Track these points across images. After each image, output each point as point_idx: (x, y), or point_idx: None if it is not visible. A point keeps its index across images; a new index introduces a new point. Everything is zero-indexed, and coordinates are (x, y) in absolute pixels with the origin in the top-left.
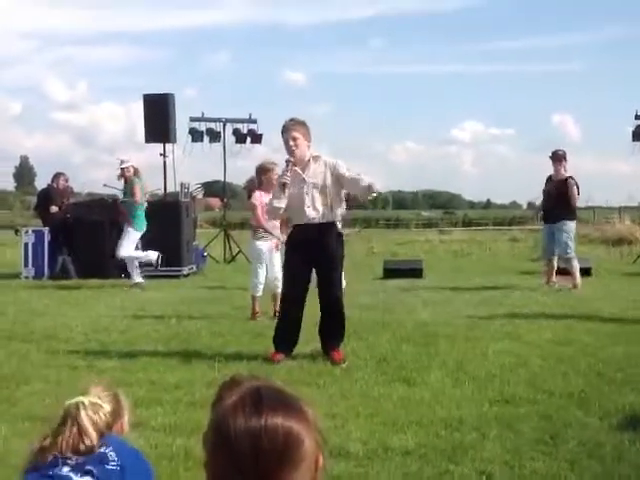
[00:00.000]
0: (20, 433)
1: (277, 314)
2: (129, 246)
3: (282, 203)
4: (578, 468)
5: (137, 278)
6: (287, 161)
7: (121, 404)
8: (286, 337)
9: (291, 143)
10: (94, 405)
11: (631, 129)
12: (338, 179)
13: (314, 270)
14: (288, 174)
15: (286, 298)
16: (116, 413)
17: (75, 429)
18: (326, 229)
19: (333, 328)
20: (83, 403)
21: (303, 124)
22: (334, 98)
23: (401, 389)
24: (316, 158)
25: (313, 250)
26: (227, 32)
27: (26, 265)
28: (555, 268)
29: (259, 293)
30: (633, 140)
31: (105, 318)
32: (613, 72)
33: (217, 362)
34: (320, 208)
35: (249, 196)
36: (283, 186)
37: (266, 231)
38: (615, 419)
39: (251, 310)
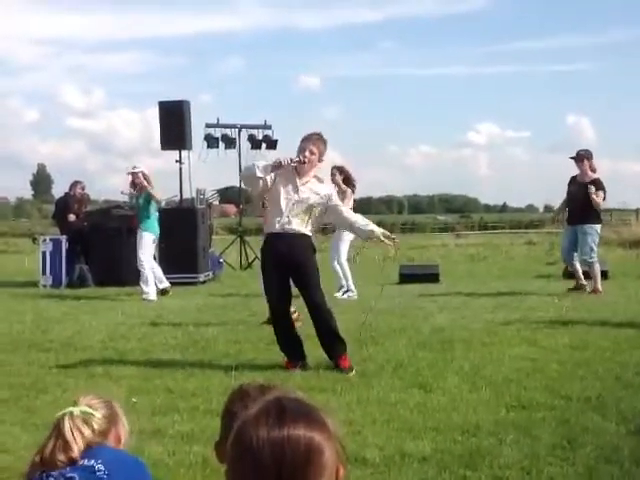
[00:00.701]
0: (40, 442)
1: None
2: (148, 253)
3: (262, 179)
4: (596, 473)
5: (152, 295)
6: (298, 160)
7: (115, 411)
8: (290, 347)
9: (307, 153)
10: (84, 414)
11: None
12: (329, 210)
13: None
14: (288, 161)
15: (273, 311)
16: (110, 421)
17: (60, 441)
18: (299, 239)
19: (327, 335)
20: (71, 413)
21: (324, 143)
22: (348, 101)
23: (418, 395)
24: (319, 180)
25: (286, 259)
26: (241, 37)
27: (44, 273)
28: (580, 271)
29: None
30: None
31: (122, 326)
32: (628, 73)
33: (234, 369)
34: (298, 222)
35: (263, 204)
36: (279, 165)
37: None
38: (633, 424)
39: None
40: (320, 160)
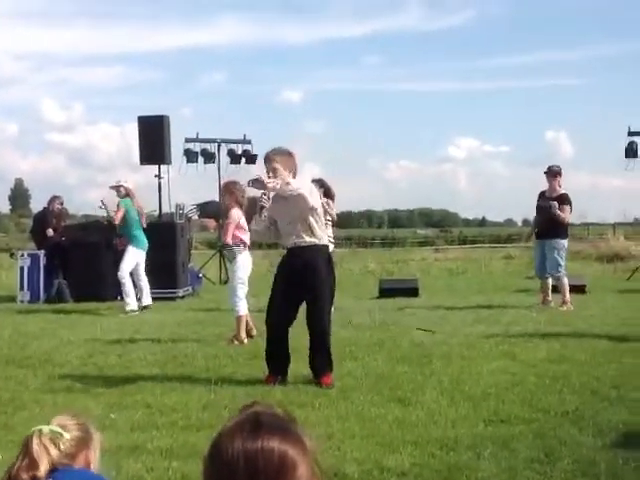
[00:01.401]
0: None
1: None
2: (128, 263)
3: (261, 226)
4: None
5: (133, 304)
6: (262, 193)
7: (89, 434)
8: (276, 360)
9: (270, 174)
10: (53, 433)
11: (624, 145)
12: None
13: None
14: (265, 198)
15: (270, 321)
16: (81, 443)
17: (26, 459)
18: (311, 252)
19: (319, 357)
20: (40, 431)
21: (285, 154)
22: (329, 116)
23: (397, 409)
24: (290, 184)
25: (299, 274)
26: (222, 52)
27: (22, 289)
28: (550, 287)
29: (246, 311)
30: (626, 156)
31: (101, 341)
32: (606, 89)
33: (213, 384)
34: (303, 234)
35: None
36: (261, 209)
37: (238, 244)
38: (609, 437)
39: (239, 332)
40: (289, 170)
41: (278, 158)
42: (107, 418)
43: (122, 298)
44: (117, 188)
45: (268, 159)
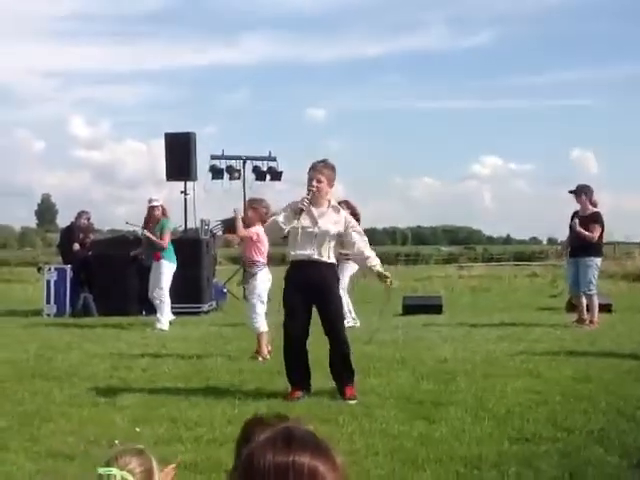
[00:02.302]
0: (43, 470)
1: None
2: (166, 282)
3: (287, 227)
4: None
5: (165, 325)
6: (309, 190)
7: (152, 473)
8: (297, 373)
9: (314, 184)
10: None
11: None
12: (345, 236)
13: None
14: (307, 202)
15: (287, 334)
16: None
17: None
18: (324, 268)
19: (340, 365)
20: (115, 477)
21: (331, 168)
22: (354, 134)
23: (421, 426)
24: (335, 209)
25: (311, 286)
26: (246, 70)
27: (48, 302)
28: (585, 305)
29: (266, 328)
30: None
31: (126, 355)
32: (632, 108)
33: (237, 399)
34: (322, 251)
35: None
36: (300, 212)
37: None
38: (635, 457)
39: (261, 348)
40: (330, 185)
41: (325, 172)
42: (132, 432)
43: (147, 313)
44: (154, 208)
45: (316, 169)
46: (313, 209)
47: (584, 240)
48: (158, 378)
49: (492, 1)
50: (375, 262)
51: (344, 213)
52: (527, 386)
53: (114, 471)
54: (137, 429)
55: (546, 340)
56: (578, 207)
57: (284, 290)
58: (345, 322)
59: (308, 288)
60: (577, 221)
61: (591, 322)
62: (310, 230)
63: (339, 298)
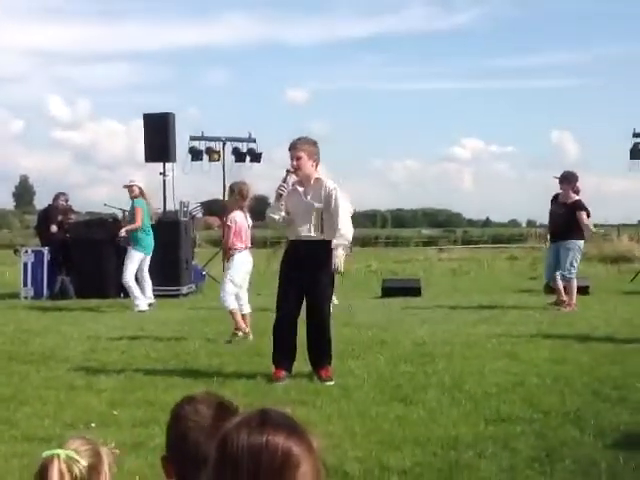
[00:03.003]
0: (19, 454)
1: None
2: (131, 270)
3: (278, 214)
4: None
5: (142, 305)
6: (287, 170)
7: (101, 460)
8: (285, 355)
9: (294, 162)
10: (69, 459)
11: (629, 147)
12: (327, 202)
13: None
14: (285, 185)
15: (279, 313)
16: (93, 470)
17: None
18: (316, 247)
19: (319, 346)
20: (58, 456)
21: (311, 143)
22: (335, 115)
23: (398, 408)
24: (319, 182)
25: (304, 267)
26: (226, 50)
27: (25, 285)
28: (562, 288)
29: (235, 305)
30: (631, 158)
31: (104, 338)
32: (613, 90)
33: (216, 382)
34: (312, 228)
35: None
36: (279, 197)
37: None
38: (610, 438)
39: (238, 324)
40: (312, 159)
41: (305, 147)
42: (109, 415)
43: (125, 296)
44: (130, 187)
45: (294, 147)
46: (298, 187)
47: (569, 224)
48: (136, 361)
49: None
50: (339, 242)
51: (329, 185)
52: (504, 368)
53: (58, 450)
54: (114, 412)
55: (524, 322)
56: (557, 191)
57: (280, 270)
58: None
59: (300, 266)
60: (585, 214)
61: (569, 305)
62: (297, 209)
63: (329, 278)
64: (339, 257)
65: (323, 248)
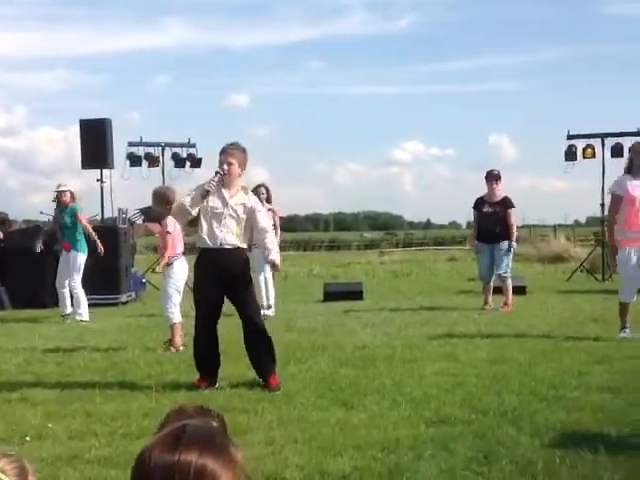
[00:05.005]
0: None
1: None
2: (80, 273)
3: (194, 210)
4: None
5: (84, 314)
6: (216, 172)
7: (25, 469)
8: (207, 364)
9: (225, 167)
10: None
11: (564, 149)
12: (251, 219)
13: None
14: (214, 184)
15: (198, 321)
16: None
17: None
18: (234, 254)
19: (260, 353)
20: None
21: (242, 151)
22: (277, 120)
23: (339, 413)
24: (245, 191)
25: (223, 274)
26: (168, 55)
27: None
28: (491, 290)
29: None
30: (566, 160)
31: (40, 349)
32: (548, 93)
33: (155, 392)
34: (232, 235)
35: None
36: (207, 193)
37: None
38: (547, 437)
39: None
40: (241, 167)
41: (236, 154)
42: (45, 427)
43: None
44: (62, 193)
45: (226, 152)
46: (224, 191)
47: (503, 225)
48: (73, 372)
49: None
50: (276, 258)
51: (253, 197)
52: (444, 369)
53: None
54: (50, 425)
55: (464, 323)
56: (482, 193)
57: (194, 278)
58: (262, 312)
59: (219, 276)
60: (509, 211)
61: (506, 304)
62: (219, 211)
63: (251, 285)
64: (277, 258)
65: (240, 256)
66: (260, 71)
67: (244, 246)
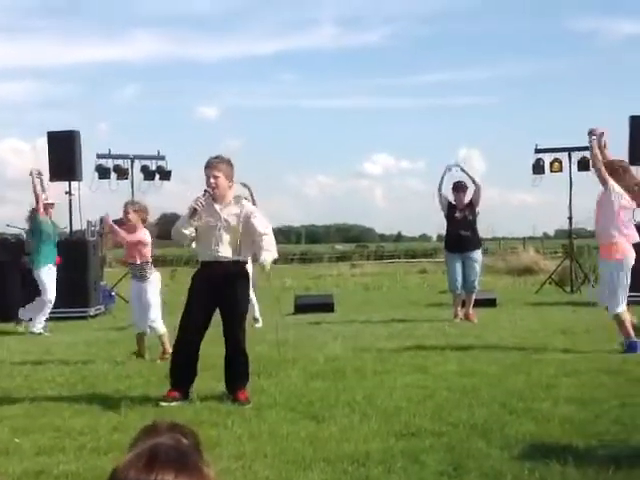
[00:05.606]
0: None
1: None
2: (53, 284)
3: (189, 230)
4: None
5: (39, 327)
6: (205, 190)
7: None
8: (183, 372)
9: (212, 181)
10: None
11: (532, 162)
12: (248, 226)
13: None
14: (202, 201)
15: (181, 334)
16: None
17: None
18: (232, 268)
19: (235, 371)
20: None
21: (227, 163)
22: (247, 133)
23: (309, 426)
24: (237, 200)
25: (218, 288)
26: (136, 67)
27: None
28: (462, 301)
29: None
30: (533, 173)
31: (7, 363)
32: (516, 107)
33: (124, 406)
34: (228, 248)
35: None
36: (194, 212)
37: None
38: (516, 449)
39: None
40: (229, 179)
41: (221, 166)
42: (11, 443)
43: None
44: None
45: (211, 166)
46: (215, 205)
47: (474, 234)
48: (41, 386)
49: (381, 1)
50: (266, 258)
51: (246, 203)
52: (415, 382)
53: None
54: (16, 440)
55: (434, 336)
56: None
57: (188, 289)
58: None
59: (212, 288)
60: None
61: (469, 315)
62: (212, 224)
63: (245, 301)
64: (268, 262)
65: (236, 269)
66: (230, 83)
67: (243, 259)
